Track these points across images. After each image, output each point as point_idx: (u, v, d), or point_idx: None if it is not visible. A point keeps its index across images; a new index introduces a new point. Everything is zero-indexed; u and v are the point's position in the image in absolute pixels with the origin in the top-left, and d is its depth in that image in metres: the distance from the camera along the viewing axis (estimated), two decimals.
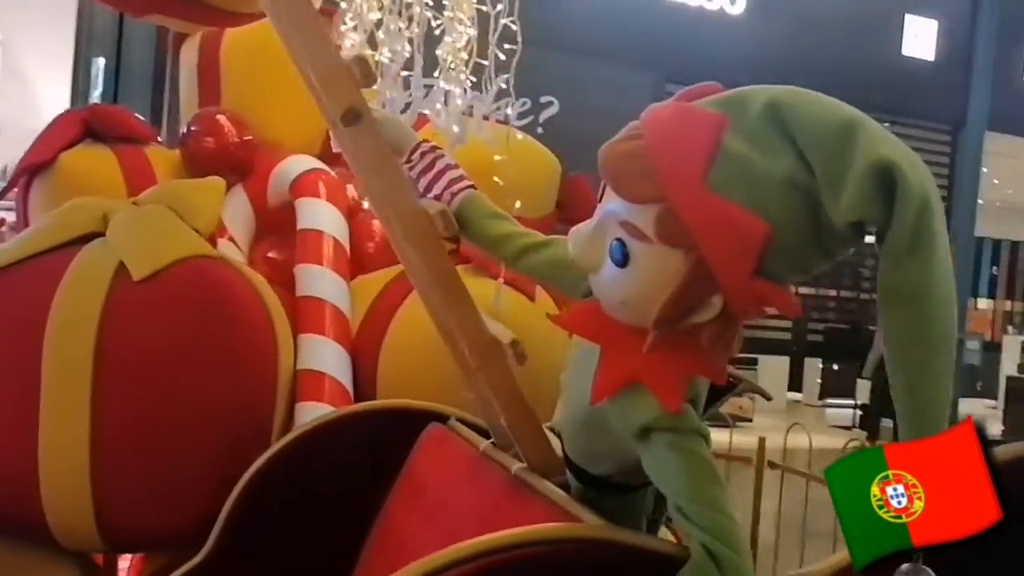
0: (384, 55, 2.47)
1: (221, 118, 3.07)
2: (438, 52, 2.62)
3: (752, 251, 1.14)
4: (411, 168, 1.58)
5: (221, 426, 2.31)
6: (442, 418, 2.06)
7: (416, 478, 1.98)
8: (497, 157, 2.39)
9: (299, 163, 3.07)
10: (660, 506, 1.59)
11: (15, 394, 2.26)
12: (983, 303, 14.15)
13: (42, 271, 2.34)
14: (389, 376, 2.63)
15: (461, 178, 1.58)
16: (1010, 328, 14.37)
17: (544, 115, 2.52)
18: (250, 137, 3.09)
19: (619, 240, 1.22)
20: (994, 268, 13.38)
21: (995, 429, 11.91)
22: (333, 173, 3.09)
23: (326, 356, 2.62)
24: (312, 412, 2.49)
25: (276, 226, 3.10)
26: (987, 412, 12.75)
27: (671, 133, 1.19)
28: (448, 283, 1.53)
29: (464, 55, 2.60)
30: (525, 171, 2.63)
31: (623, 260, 1.22)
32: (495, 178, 2.34)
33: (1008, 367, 13.15)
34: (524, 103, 2.55)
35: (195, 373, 2.29)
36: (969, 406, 11.56)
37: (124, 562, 2.73)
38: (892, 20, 9.87)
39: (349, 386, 2.61)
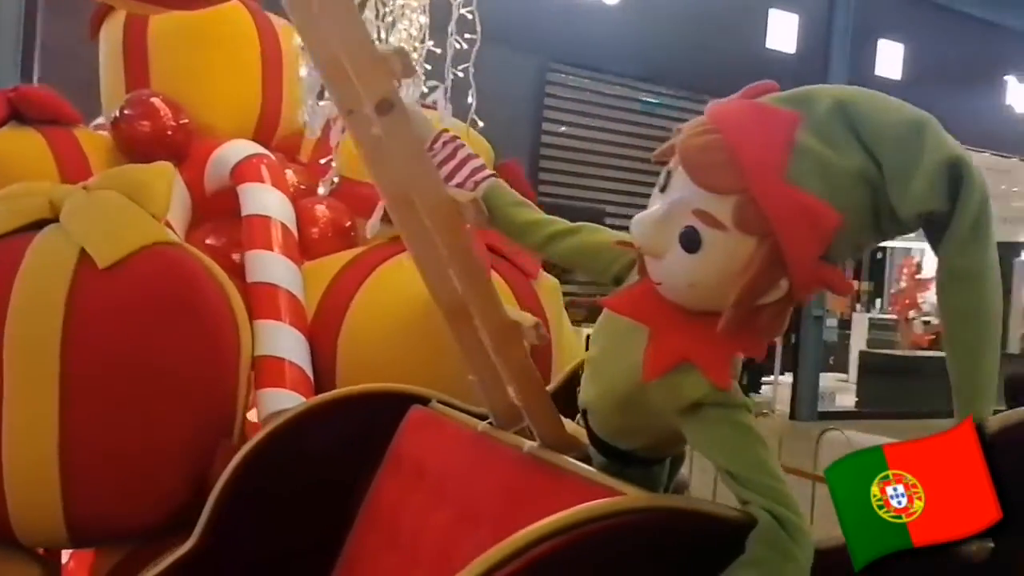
0: None
1: (156, 101, 2.98)
2: (391, 40, 2.66)
3: (824, 238, 1.26)
4: (433, 157, 1.62)
5: (190, 414, 2.29)
6: (421, 400, 2.10)
7: (408, 459, 2.00)
8: None
9: (239, 148, 3.01)
10: (670, 480, 1.70)
11: None
12: None
13: None
14: (350, 363, 2.64)
15: (483, 167, 1.64)
16: (858, 306, 15.26)
17: (430, 99, 2.59)
18: (186, 121, 3.02)
19: (691, 227, 1.31)
20: None
21: (848, 401, 12.70)
22: (273, 158, 3.05)
23: (284, 341, 2.60)
24: (274, 398, 2.49)
25: (213, 212, 3.05)
26: (840, 385, 13.56)
27: (749, 128, 1.29)
28: (473, 269, 1.59)
29: (417, 43, 2.65)
30: None
31: (695, 246, 1.31)
32: None
33: (859, 343, 14.01)
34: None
35: (162, 362, 2.25)
36: (823, 380, 12.24)
37: (64, 556, 2.66)
38: (758, 13, 10.34)
39: (309, 371, 2.61)
